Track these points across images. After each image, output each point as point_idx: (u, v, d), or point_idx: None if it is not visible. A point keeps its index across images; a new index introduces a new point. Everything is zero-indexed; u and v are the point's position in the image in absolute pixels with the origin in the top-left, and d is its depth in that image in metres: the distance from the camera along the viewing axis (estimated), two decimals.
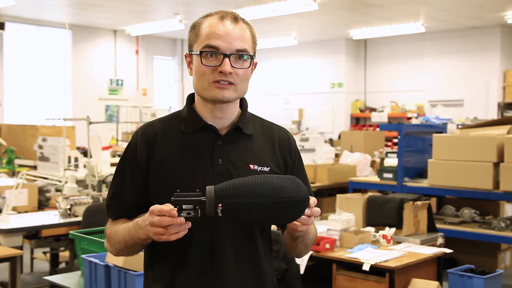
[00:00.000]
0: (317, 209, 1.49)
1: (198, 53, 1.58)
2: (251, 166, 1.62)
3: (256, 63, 1.67)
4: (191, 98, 1.71)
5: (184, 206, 1.40)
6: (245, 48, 1.59)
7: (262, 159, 1.65)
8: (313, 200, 1.47)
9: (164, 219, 1.40)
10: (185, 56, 1.68)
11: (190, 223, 1.43)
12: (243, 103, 1.70)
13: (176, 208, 1.40)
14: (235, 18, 1.61)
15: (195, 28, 1.63)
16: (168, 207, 1.40)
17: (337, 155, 8.29)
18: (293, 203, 1.42)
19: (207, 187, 1.42)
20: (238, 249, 1.60)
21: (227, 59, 1.56)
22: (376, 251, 3.89)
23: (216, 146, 1.62)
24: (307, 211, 1.45)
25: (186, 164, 1.60)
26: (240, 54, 1.58)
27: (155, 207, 1.42)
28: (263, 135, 1.70)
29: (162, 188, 1.59)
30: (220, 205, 1.40)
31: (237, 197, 1.40)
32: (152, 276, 1.66)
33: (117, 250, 1.65)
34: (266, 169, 1.63)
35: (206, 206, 1.41)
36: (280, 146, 1.70)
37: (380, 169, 6.34)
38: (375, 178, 6.48)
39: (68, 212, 4.61)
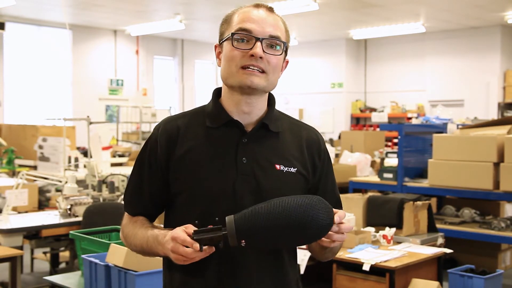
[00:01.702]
0: (347, 226, 1.44)
1: (230, 36, 1.52)
2: (277, 167, 1.55)
3: (287, 62, 1.62)
4: (217, 92, 1.63)
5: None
6: (278, 35, 1.53)
7: (289, 159, 1.58)
8: (339, 216, 1.42)
9: (189, 253, 1.38)
10: (215, 47, 1.62)
11: (214, 248, 1.40)
12: (271, 100, 1.63)
13: (197, 244, 1.38)
14: (270, 9, 1.57)
15: (227, 19, 1.59)
16: (189, 238, 1.38)
17: (337, 155, 8.28)
18: (319, 231, 1.39)
19: (226, 218, 1.38)
20: (260, 257, 1.54)
21: (259, 43, 1.50)
22: (376, 251, 3.89)
23: (241, 144, 1.55)
24: (335, 227, 1.41)
25: (209, 161, 1.54)
26: (272, 41, 1.52)
27: (178, 236, 1.38)
28: (290, 133, 1.63)
29: (184, 185, 1.55)
30: (243, 240, 1.38)
31: (260, 231, 1.37)
32: (169, 281, 1.62)
33: (133, 250, 1.64)
34: (292, 170, 1.57)
35: (229, 239, 1.38)
36: (309, 147, 1.63)
37: (380, 169, 6.34)
38: (375, 178, 6.47)
39: (68, 212, 4.61)
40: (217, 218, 1.39)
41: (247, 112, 1.57)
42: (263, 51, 1.50)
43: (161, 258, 1.63)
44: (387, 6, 10.22)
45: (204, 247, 1.38)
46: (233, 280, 1.52)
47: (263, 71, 1.51)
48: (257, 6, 1.56)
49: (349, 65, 14.08)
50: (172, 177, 1.56)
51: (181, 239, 1.38)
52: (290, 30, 1.62)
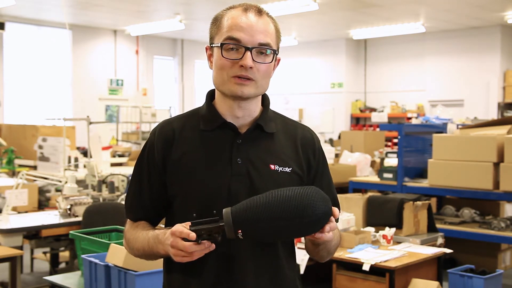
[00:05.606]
0: (334, 225, 1.44)
1: (219, 45, 1.52)
2: (272, 167, 1.55)
3: (279, 60, 1.61)
4: (211, 95, 1.63)
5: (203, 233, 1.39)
6: (268, 42, 1.52)
7: (284, 159, 1.57)
8: (335, 211, 1.43)
9: (187, 246, 1.37)
10: (206, 48, 1.61)
11: (214, 245, 1.40)
12: (265, 100, 1.64)
13: (194, 234, 1.38)
14: (259, 11, 1.55)
15: (216, 21, 1.57)
16: (186, 230, 1.38)
17: (337, 155, 8.28)
18: (316, 220, 1.38)
19: (223, 210, 1.39)
20: (257, 258, 1.54)
21: (248, 53, 1.49)
22: (376, 251, 3.89)
23: (235, 145, 1.55)
24: (326, 227, 1.41)
25: (204, 164, 1.54)
26: (262, 48, 1.51)
27: (176, 229, 1.39)
28: (285, 133, 1.62)
29: (180, 188, 1.55)
30: (240, 231, 1.37)
31: (257, 221, 1.36)
32: (168, 283, 1.62)
33: (135, 255, 1.63)
34: (287, 169, 1.56)
35: (226, 231, 1.38)
36: (303, 146, 1.62)
37: (380, 169, 6.34)
38: (375, 178, 6.47)
39: (68, 212, 4.61)
40: (215, 211, 1.40)
41: (241, 115, 1.58)
42: (253, 60, 1.50)
43: (161, 259, 1.63)
44: (387, 6, 10.22)
45: (203, 241, 1.38)
46: (231, 277, 1.52)
47: (252, 79, 1.52)
48: (246, 9, 1.54)
49: (349, 65, 14.08)
50: (169, 180, 1.57)
51: (178, 232, 1.38)
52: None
